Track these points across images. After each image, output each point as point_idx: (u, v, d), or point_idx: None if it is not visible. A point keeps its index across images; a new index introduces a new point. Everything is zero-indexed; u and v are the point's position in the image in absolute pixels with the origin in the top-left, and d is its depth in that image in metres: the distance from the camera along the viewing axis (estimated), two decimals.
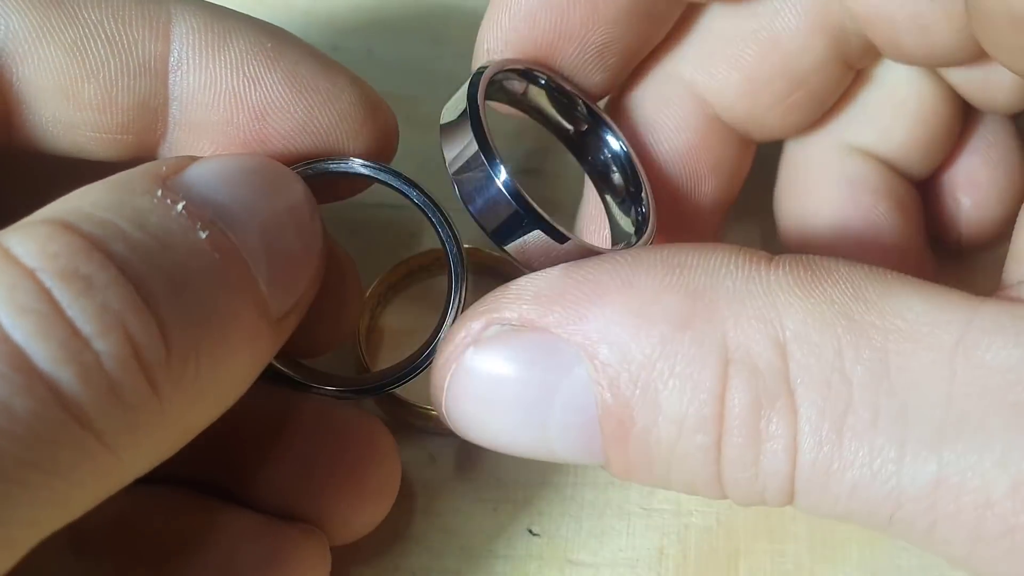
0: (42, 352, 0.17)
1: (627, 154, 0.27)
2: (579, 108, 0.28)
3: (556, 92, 0.28)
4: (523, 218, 0.23)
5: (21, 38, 0.23)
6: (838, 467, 0.20)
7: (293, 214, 0.23)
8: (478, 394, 0.22)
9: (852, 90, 0.29)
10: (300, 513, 0.25)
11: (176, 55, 0.24)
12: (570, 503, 0.29)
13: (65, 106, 0.23)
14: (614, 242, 0.28)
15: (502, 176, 0.23)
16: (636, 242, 0.26)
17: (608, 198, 0.28)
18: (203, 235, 0.20)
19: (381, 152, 0.26)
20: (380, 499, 0.26)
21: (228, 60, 0.24)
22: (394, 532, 0.28)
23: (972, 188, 0.30)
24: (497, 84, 0.26)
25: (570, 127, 0.29)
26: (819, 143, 0.30)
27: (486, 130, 0.24)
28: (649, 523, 0.29)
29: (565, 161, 0.34)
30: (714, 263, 0.21)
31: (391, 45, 0.36)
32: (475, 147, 0.24)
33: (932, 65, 0.28)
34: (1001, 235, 0.31)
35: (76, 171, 0.25)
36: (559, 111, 0.28)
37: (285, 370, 0.26)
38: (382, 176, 0.25)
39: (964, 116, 0.30)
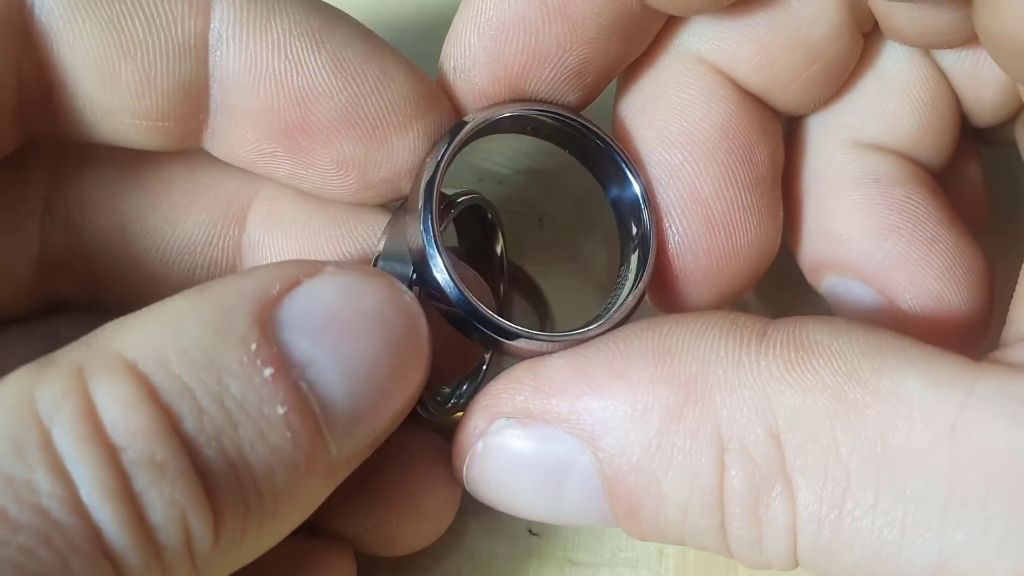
0: (117, 536, 0.18)
1: (643, 197, 0.25)
2: (590, 139, 0.26)
3: (560, 123, 0.26)
4: (470, 322, 0.23)
5: (56, 14, 0.22)
6: (839, 547, 0.20)
7: (396, 354, 0.22)
8: (494, 479, 0.24)
9: (854, 79, 0.27)
10: (357, 533, 0.25)
11: (216, 32, 0.23)
12: None
13: (103, 89, 0.23)
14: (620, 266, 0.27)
15: (449, 285, 0.23)
16: (609, 313, 0.25)
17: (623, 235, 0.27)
18: (280, 411, 0.20)
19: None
20: (440, 520, 0.26)
21: (270, 40, 0.23)
22: None
23: (950, 181, 0.29)
24: (488, 127, 0.25)
25: (584, 157, 0.27)
26: (827, 145, 0.28)
27: (436, 237, 0.23)
28: None
29: (563, 160, 0.34)
30: (703, 348, 0.21)
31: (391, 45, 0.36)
32: (422, 253, 0.23)
33: (925, 45, 0.26)
34: (980, 229, 0.29)
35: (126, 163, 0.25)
36: (567, 143, 0.27)
37: None
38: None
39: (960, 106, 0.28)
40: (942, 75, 0.27)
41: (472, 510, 0.29)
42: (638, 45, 0.26)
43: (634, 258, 0.26)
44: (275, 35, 0.23)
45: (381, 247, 0.25)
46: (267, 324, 0.20)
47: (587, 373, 0.22)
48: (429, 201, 0.23)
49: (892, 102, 0.27)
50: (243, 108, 0.23)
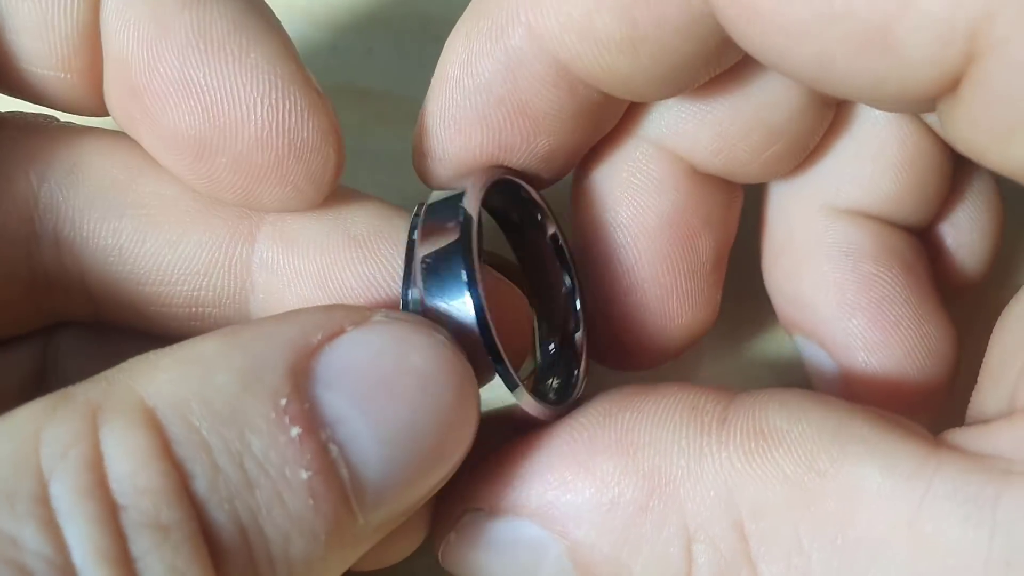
0: None
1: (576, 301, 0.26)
2: (545, 230, 0.26)
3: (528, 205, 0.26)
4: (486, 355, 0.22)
5: None
6: None
7: (442, 421, 0.20)
8: (469, 565, 0.24)
9: (828, 142, 0.27)
10: None
11: None
12: None
13: (2, 29, 0.22)
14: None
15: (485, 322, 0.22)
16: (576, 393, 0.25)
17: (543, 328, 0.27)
18: (304, 476, 0.18)
19: (289, 148, 0.23)
20: (410, 539, 0.26)
21: None
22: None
23: (951, 227, 0.29)
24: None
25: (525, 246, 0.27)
26: (801, 209, 0.28)
27: (481, 289, 0.22)
28: None
29: None
30: (665, 440, 0.22)
31: (391, 45, 0.36)
32: (470, 314, 0.22)
33: (908, 111, 0.26)
34: (985, 278, 0.30)
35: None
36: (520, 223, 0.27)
37: None
38: None
39: (955, 155, 0.27)
40: (923, 130, 0.27)
41: None
42: (604, 127, 0.26)
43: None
44: None
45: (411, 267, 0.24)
46: (302, 377, 0.19)
47: (554, 467, 0.22)
48: (472, 270, 0.22)
49: (868, 165, 0.27)
50: (111, 59, 0.23)
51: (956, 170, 0.28)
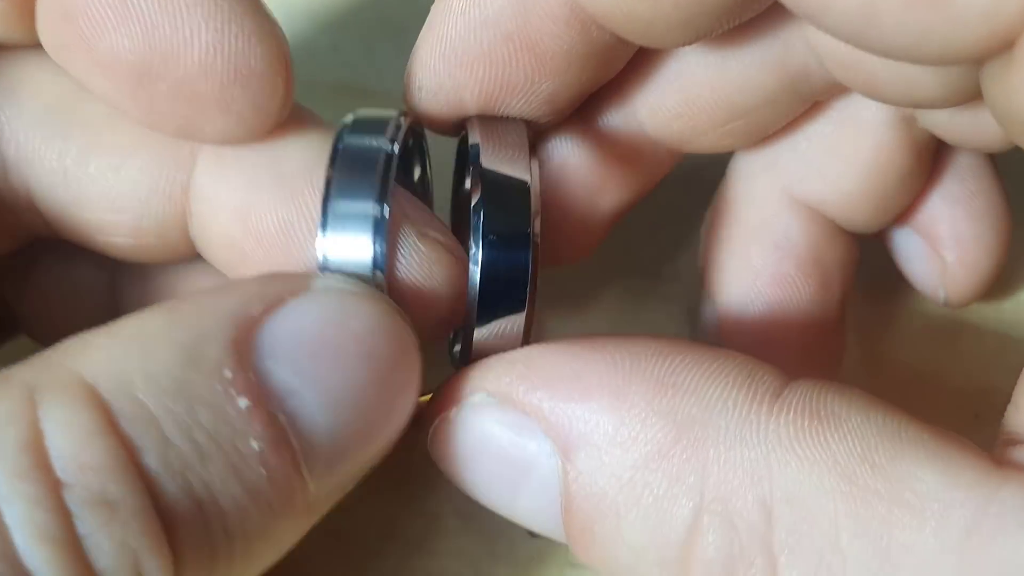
0: None
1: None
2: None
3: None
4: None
5: None
6: None
7: (386, 384, 0.20)
8: (456, 452, 0.22)
9: (806, 128, 0.27)
10: None
11: None
12: None
13: None
14: None
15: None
16: None
17: None
18: (256, 446, 0.18)
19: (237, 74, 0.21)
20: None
21: None
22: (394, 535, 0.28)
23: (955, 244, 0.28)
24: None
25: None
26: (761, 185, 0.27)
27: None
28: None
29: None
30: (711, 394, 0.20)
31: (391, 45, 0.36)
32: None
33: (915, 107, 0.25)
34: (987, 291, 0.29)
35: None
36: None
37: None
38: None
39: (928, 168, 0.27)
40: (902, 143, 0.26)
41: (469, 514, 0.29)
42: (610, 72, 0.25)
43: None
44: None
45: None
46: (245, 349, 0.19)
47: (582, 377, 0.21)
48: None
49: (838, 163, 0.26)
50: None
51: (965, 185, 0.28)
